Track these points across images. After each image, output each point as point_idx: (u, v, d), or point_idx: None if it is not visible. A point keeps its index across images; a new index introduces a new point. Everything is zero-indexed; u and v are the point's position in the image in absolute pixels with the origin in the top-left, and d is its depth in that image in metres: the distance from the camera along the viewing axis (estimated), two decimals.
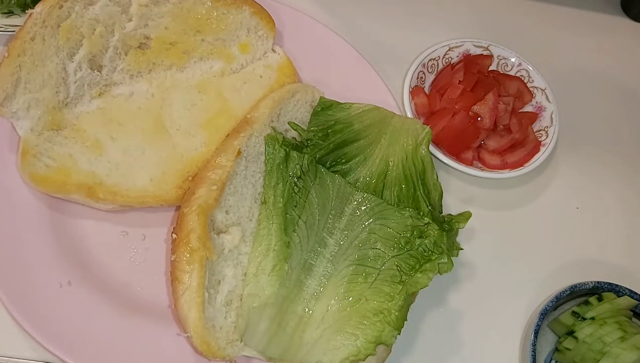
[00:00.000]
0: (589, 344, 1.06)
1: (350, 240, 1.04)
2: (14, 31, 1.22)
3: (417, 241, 1.02)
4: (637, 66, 1.61)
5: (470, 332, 1.17)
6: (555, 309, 1.14)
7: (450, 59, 1.42)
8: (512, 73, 1.43)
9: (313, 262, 1.03)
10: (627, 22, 1.69)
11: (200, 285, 0.96)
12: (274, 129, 1.13)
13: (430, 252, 1.02)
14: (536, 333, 1.07)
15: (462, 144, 1.31)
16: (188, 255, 0.97)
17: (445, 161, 1.27)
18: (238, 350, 1.00)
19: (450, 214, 1.10)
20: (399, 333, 0.99)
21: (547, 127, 1.37)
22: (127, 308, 1.07)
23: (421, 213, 1.06)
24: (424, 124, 1.21)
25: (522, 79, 1.42)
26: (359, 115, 1.18)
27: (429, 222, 1.03)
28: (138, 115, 1.18)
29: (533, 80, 1.41)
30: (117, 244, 1.14)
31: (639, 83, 1.58)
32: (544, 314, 1.09)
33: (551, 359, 1.14)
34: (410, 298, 1.02)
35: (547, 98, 1.39)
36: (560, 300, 1.12)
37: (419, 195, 1.09)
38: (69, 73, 1.15)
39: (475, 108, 1.30)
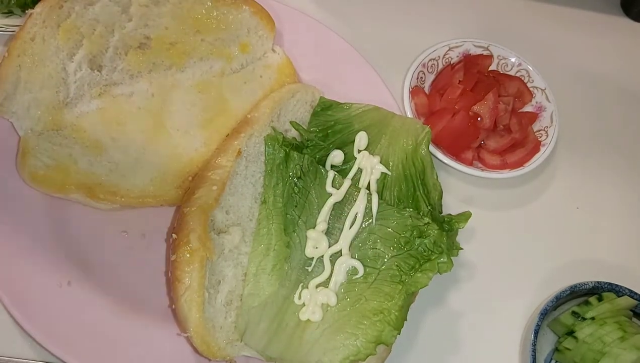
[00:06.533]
0: (589, 344, 1.06)
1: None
2: (14, 31, 1.22)
3: (417, 241, 1.02)
4: (637, 66, 1.61)
5: (470, 332, 1.17)
6: (555, 309, 1.14)
7: (450, 59, 1.42)
8: (512, 73, 1.43)
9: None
10: (627, 22, 1.69)
11: (201, 285, 0.96)
12: (274, 129, 1.13)
13: (430, 252, 1.02)
14: (536, 333, 1.07)
15: (462, 144, 1.31)
16: (188, 255, 0.97)
17: (445, 161, 1.27)
18: (238, 350, 1.00)
19: (450, 214, 1.10)
20: (399, 333, 0.99)
21: (547, 127, 1.37)
22: (127, 308, 1.07)
23: (421, 213, 1.06)
24: (424, 124, 1.21)
25: (522, 79, 1.42)
26: (359, 115, 1.18)
27: (428, 222, 1.03)
28: (138, 115, 1.18)
29: (533, 80, 1.41)
30: (117, 244, 1.14)
31: (638, 83, 1.58)
32: (544, 314, 1.09)
33: (551, 359, 1.14)
34: (410, 298, 1.03)
35: (547, 98, 1.39)
36: (560, 300, 1.12)
37: (418, 195, 1.09)
38: (69, 73, 1.15)
39: (475, 108, 1.30)
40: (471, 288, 1.21)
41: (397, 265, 1.02)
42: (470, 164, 1.30)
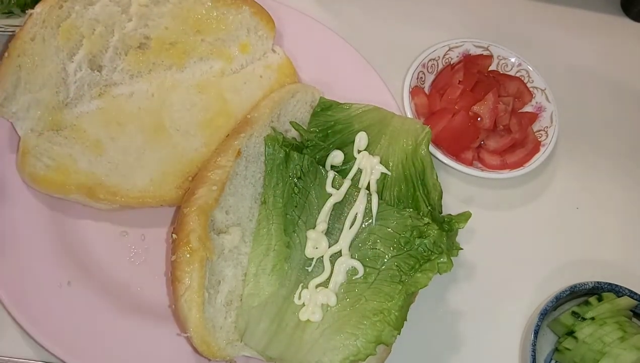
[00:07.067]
0: (588, 344, 1.06)
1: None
2: (14, 31, 1.22)
3: (417, 241, 1.02)
4: (637, 66, 1.61)
5: (470, 332, 1.17)
6: (555, 309, 1.14)
7: (450, 59, 1.42)
8: (512, 73, 1.43)
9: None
10: (627, 22, 1.69)
11: (201, 285, 0.96)
12: (274, 129, 1.13)
13: (429, 252, 1.02)
14: (536, 333, 1.07)
15: (462, 144, 1.31)
16: (188, 256, 0.97)
17: (445, 161, 1.27)
18: (238, 350, 1.00)
19: (450, 214, 1.10)
20: (399, 333, 0.99)
21: (547, 127, 1.37)
22: (127, 308, 1.07)
23: (421, 214, 1.06)
24: (424, 124, 1.21)
25: (522, 79, 1.42)
26: (359, 115, 1.18)
27: (428, 222, 1.03)
28: (138, 116, 1.18)
29: (533, 80, 1.41)
30: (117, 244, 1.14)
31: (638, 83, 1.58)
32: (544, 314, 1.09)
33: (551, 359, 1.14)
34: (410, 298, 1.02)
35: (547, 98, 1.39)
36: (560, 300, 1.12)
37: (418, 196, 1.09)
38: (69, 73, 1.15)
39: (475, 108, 1.30)
40: (471, 288, 1.21)
41: (397, 265, 1.02)
42: (470, 164, 1.30)
